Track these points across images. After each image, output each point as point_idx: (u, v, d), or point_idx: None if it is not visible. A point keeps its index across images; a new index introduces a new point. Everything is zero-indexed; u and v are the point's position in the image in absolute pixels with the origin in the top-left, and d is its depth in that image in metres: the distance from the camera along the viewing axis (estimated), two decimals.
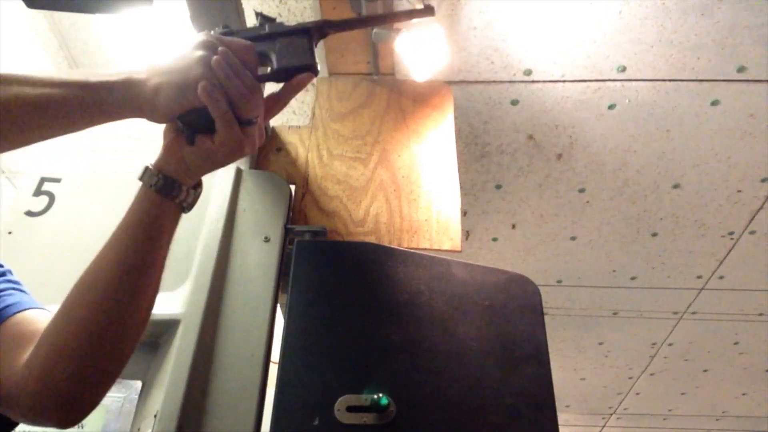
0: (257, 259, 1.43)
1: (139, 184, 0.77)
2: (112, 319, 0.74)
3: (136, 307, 0.76)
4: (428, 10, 0.88)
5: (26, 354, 0.74)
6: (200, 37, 0.74)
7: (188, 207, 0.78)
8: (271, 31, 0.81)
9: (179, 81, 0.71)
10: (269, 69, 0.79)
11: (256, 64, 0.77)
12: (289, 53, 0.79)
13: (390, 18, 1.03)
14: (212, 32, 0.80)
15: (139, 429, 1.25)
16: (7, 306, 0.81)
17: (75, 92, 0.70)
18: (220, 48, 0.72)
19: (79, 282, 0.75)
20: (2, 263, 0.89)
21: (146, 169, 0.76)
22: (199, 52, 0.72)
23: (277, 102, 0.80)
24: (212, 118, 0.72)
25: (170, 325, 1.29)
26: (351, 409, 1.11)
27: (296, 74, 0.78)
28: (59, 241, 1.47)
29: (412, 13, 0.91)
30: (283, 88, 0.79)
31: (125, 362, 0.77)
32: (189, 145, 0.74)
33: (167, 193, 0.75)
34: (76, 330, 0.73)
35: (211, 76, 0.70)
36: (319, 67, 0.79)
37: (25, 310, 0.82)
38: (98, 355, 0.74)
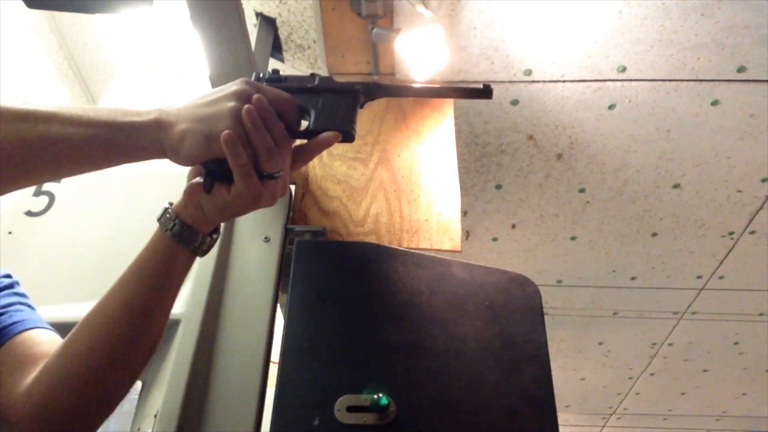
0: (257, 259, 1.43)
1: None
2: (114, 357, 0.74)
3: (140, 347, 0.76)
4: (487, 93, 0.82)
5: (28, 378, 0.75)
6: (238, 84, 0.72)
7: (203, 253, 0.78)
8: (318, 85, 0.78)
9: (205, 131, 0.69)
10: (307, 125, 0.76)
11: (294, 118, 0.75)
12: (329, 114, 0.76)
13: (445, 94, 0.96)
14: (260, 75, 0.78)
15: (139, 429, 1.25)
16: (14, 323, 0.82)
17: (102, 133, 0.68)
18: (255, 96, 0.70)
19: (86, 319, 0.76)
20: (10, 273, 0.89)
21: (165, 210, 0.76)
22: (231, 103, 0.70)
23: (302, 157, 0.77)
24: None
25: (170, 325, 1.29)
26: (351, 409, 1.11)
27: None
28: (59, 241, 1.47)
29: (470, 93, 0.85)
30: (309, 143, 0.77)
31: (124, 396, 0.78)
32: (205, 193, 0.73)
33: (182, 239, 0.75)
34: (78, 365, 0.73)
35: (238, 128, 0.68)
36: (355, 135, 0.76)
37: (30, 329, 0.82)
38: (98, 391, 0.74)
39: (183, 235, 0.74)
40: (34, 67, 2.16)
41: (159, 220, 0.75)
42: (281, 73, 0.79)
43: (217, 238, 0.79)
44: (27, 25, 2.07)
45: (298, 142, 0.77)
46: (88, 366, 0.73)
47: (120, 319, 0.74)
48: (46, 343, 0.79)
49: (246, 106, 0.69)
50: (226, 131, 0.68)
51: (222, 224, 0.80)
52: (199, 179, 0.74)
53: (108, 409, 0.77)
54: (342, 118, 0.76)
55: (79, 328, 0.75)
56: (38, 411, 0.73)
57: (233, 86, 0.72)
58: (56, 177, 0.71)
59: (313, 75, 0.79)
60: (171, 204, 0.76)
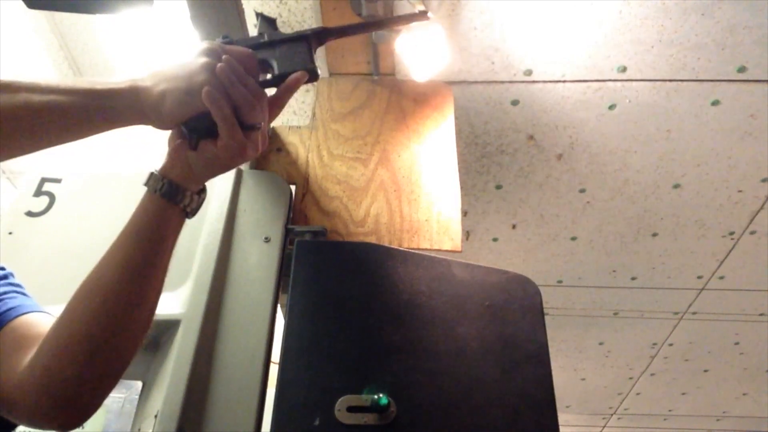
0: (257, 260, 1.43)
1: (144, 189, 0.77)
2: (114, 322, 0.74)
3: (139, 310, 0.77)
4: (423, 15, 0.91)
5: (27, 357, 0.75)
6: (203, 44, 0.76)
7: (192, 212, 0.80)
8: (270, 39, 0.83)
9: (184, 87, 0.72)
10: (270, 75, 0.81)
11: (257, 71, 0.79)
12: (289, 59, 0.81)
13: (387, 23, 1.05)
14: (214, 41, 0.82)
15: (139, 429, 1.25)
16: (9, 309, 0.82)
17: (81, 99, 0.71)
18: (224, 56, 0.74)
19: (82, 285, 0.76)
20: (4, 266, 0.89)
21: (151, 174, 0.77)
22: (203, 59, 0.73)
23: (275, 104, 0.81)
24: (215, 122, 0.73)
25: (171, 326, 1.29)
26: (351, 409, 1.11)
27: None
28: (59, 241, 1.47)
29: (408, 18, 0.94)
30: (279, 89, 0.81)
31: (127, 365, 0.78)
32: (192, 150, 0.76)
33: (172, 198, 0.76)
34: (78, 333, 0.73)
35: (215, 82, 0.72)
36: (319, 72, 0.81)
37: (26, 313, 0.82)
38: (100, 358, 0.74)
39: (172, 194, 0.76)
40: (34, 67, 2.16)
41: (146, 183, 0.77)
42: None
43: (204, 198, 0.81)
44: (27, 26, 2.07)
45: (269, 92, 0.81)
46: (90, 332, 0.73)
47: (117, 282, 0.74)
48: (43, 324, 0.79)
49: (219, 63, 0.73)
50: (206, 87, 0.71)
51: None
52: (183, 140, 0.77)
53: (113, 377, 0.77)
54: (302, 60, 0.81)
55: (76, 297, 0.76)
56: (42, 384, 0.72)
57: (199, 47, 0.75)
58: (41, 146, 0.72)
59: (261, 33, 0.85)
60: (155, 170, 0.78)
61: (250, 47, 0.80)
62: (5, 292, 0.84)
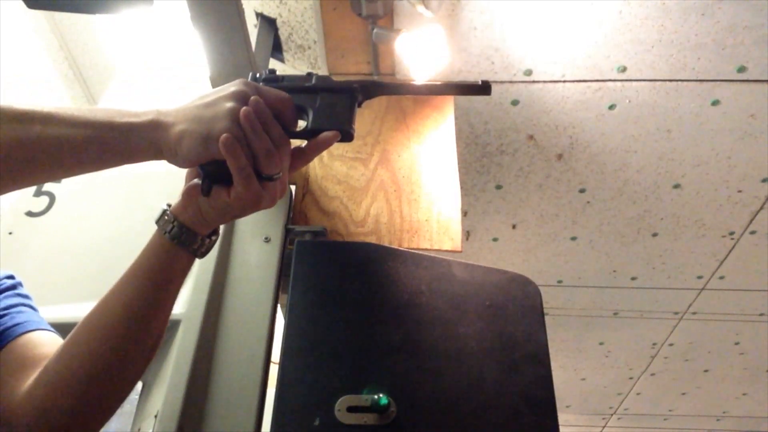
0: (258, 260, 1.43)
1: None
2: (114, 360, 0.74)
3: (140, 349, 0.76)
4: (485, 89, 0.80)
5: (29, 379, 0.75)
6: (236, 84, 0.71)
7: (202, 254, 0.77)
8: (315, 85, 0.77)
9: (203, 132, 0.68)
10: (305, 125, 0.76)
11: (292, 119, 0.74)
12: (327, 114, 0.76)
13: (442, 90, 0.96)
14: (257, 75, 0.78)
15: (139, 429, 1.25)
16: (16, 325, 0.81)
17: (97, 134, 0.68)
18: (252, 98, 0.70)
19: (85, 320, 0.75)
20: (13, 275, 0.89)
21: (163, 212, 0.75)
22: (230, 104, 0.69)
23: (301, 157, 0.77)
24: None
25: (170, 326, 1.28)
26: (351, 409, 1.11)
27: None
28: (60, 241, 1.47)
29: (467, 89, 0.84)
30: (308, 143, 0.76)
31: (124, 398, 0.78)
32: (204, 196, 0.73)
33: (181, 242, 0.74)
34: (78, 368, 0.73)
35: (236, 130, 0.68)
36: (354, 134, 0.76)
37: (32, 331, 0.82)
38: (98, 394, 0.74)
39: (182, 238, 0.74)
40: (34, 67, 2.16)
41: (157, 222, 0.75)
42: (278, 72, 0.79)
43: (216, 240, 0.78)
44: (27, 26, 2.07)
45: (296, 142, 0.76)
46: (88, 369, 0.73)
47: (120, 322, 0.74)
48: (47, 345, 0.79)
49: (244, 108, 0.68)
50: (224, 134, 0.67)
51: (221, 225, 0.80)
52: (197, 181, 0.74)
53: (109, 412, 0.77)
54: (340, 118, 0.75)
55: (78, 331, 0.75)
56: (38, 413, 0.72)
57: (231, 87, 0.71)
58: (53, 178, 0.71)
59: (310, 74, 0.79)
60: (169, 206, 0.76)
61: (292, 89, 0.75)
62: (13, 305, 0.84)
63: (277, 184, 0.73)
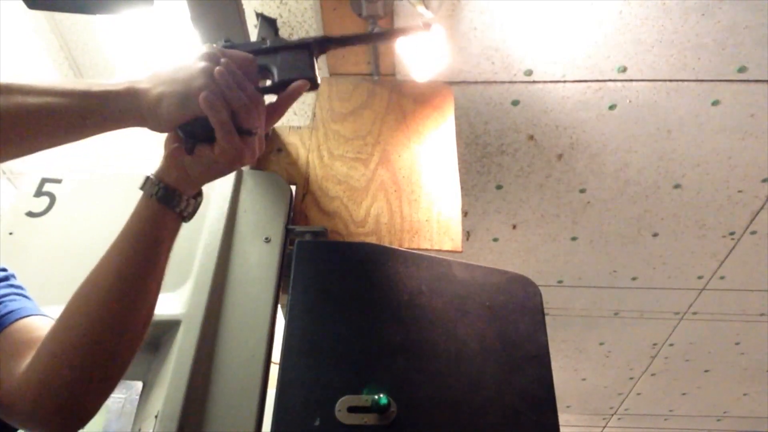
0: (258, 260, 1.43)
1: (140, 192, 0.77)
2: (111, 327, 0.74)
3: (136, 315, 0.76)
4: (425, 26, 0.91)
5: (26, 361, 0.75)
6: (203, 48, 0.75)
7: (188, 216, 0.79)
8: (272, 45, 0.83)
9: (181, 90, 0.71)
10: (270, 81, 0.80)
11: (257, 77, 0.79)
12: (289, 66, 0.81)
13: (388, 35, 1.05)
14: (214, 45, 0.81)
15: (140, 429, 1.25)
16: (10, 312, 0.82)
17: (77, 101, 0.70)
18: (222, 59, 0.74)
19: (79, 290, 0.76)
20: (5, 267, 0.89)
21: (147, 178, 0.77)
22: (202, 63, 0.73)
23: (275, 111, 0.81)
24: (212, 127, 0.72)
25: (171, 326, 1.29)
26: (352, 409, 1.11)
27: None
28: (60, 241, 1.47)
29: (410, 29, 0.93)
30: (279, 97, 0.81)
31: (125, 370, 0.78)
32: (189, 155, 0.75)
33: (167, 202, 0.76)
34: (75, 338, 0.73)
35: (214, 87, 0.71)
36: (319, 80, 0.81)
37: (26, 317, 0.82)
38: (97, 363, 0.74)
39: (168, 198, 0.76)
40: (34, 67, 2.16)
41: (142, 187, 0.77)
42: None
43: (200, 201, 0.81)
44: (27, 26, 2.07)
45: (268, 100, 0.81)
46: (86, 338, 0.73)
47: (114, 287, 0.74)
48: (42, 328, 0.79)
49: (217, 67, 0.72)
50: (204, 92, 0.70)
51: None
52: (179, 145, 0.76)
53: (111, 382, 0.77)
54: (303, 68, 0.81)
55: (72, 302, 0.75)
56: (39, 389, 0.72)
57: (200, 50, 0.75)
58: (36, 148, 0.72)
59: (264, 38, 0.86)
60: (151, 174, 0.78)
61: (251, 52, 0.80)
62: (6, 295, 0.84)
63: (256, 139, 0.76)
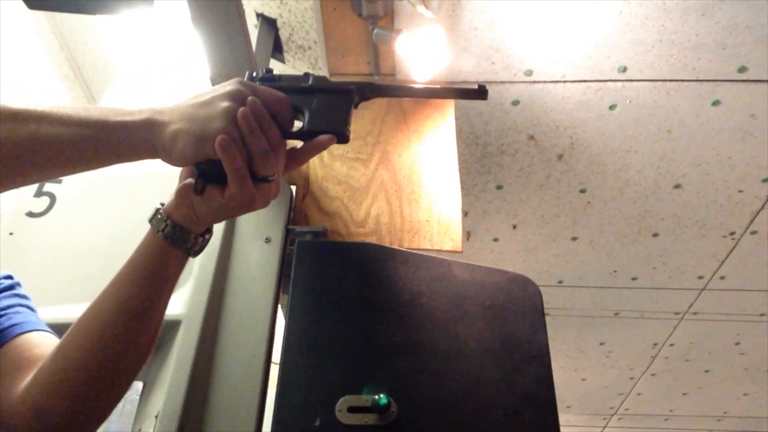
0: (258, 260, 1.43)
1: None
2: (108, 360, 0.74)
3: (135, 348, 0.76)
4: (482, 93, 0.80)
5: (26, 379, 0.75)
6: (232, 84, 0.71)
7: (195, 253, 0.77)
8: (312, 85, 0.77)
9: (198, 131, 0.68)
10: (301, 125, 0.75)
11: (288, 119, 0.74)
12: (323, 115, 0.75)
13: (440, 94, 0.95)
14: (254, 74, 0.78)
15: (140, 430, 1.25)
16: (13, 325, 0.81)
17: (92, 132, 0.67)
18: (249, 98, 0.69)
19: (79, 321, 0.75)
20: (11, 275, 0.89)
21: (156, 212, 0.75)
22: (226, 104, 0.68)
23: (296, 158, 0.76)
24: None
25: (171, 326, 1.29)
26: (352, 409, 1.11)
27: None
28: (60, 242, 1.47)
29: (465, 93, 0.83)
30: (303, 146, 0.76)
31: (119, 400, 0.77)
32: (197, 195, 0.72)
33: (173, 241, 0.73)
34: (72, 369, 0.73)
35: (232, 130, 0.67)
36: (350, 136, 0.75)
37: (29, 332, 0.82)
38: (92, 394, 0.74)
39: (175, 236, 0.73)
40: (34, 67, 2.16)
41: (150, 221, 0.74)
42: (276, 71, 0.79)
43: (209, 239, 0.78)
44: (27, 26, 2.07)
45: (291, 143, 0.76)
46: (83, 370, 0.72)
47: (114, 322, 0.73)
48: (43, 345, 0.79)
49: (241, 108, 0.68)
50: (221, 135, 0.67)
51: (216, 224, 0.79)
52: (191, 180, 0.73)
53: (104, 413, 0.77)
54: (337, 120, 0.75)
55: (72, 332, 0.74)
56: (33, 414, 0.72)
57: (227, 86, 0.71)
58: (47, 177, 0.70)
59: (307, 74, 0.78)
60: (162, 204, 0.75)
61: (289, 89, 0.75)
62: (10, 306, 0.84)
63: (271, 185, 0.72)
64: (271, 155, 0.70)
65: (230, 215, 0.74)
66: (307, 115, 0.75)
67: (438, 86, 0.87)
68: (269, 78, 0.77)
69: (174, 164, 0.71)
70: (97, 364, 0.73)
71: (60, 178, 1.60)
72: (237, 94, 0.69)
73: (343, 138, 0.74)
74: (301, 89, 0.76)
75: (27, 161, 0.66)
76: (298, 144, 0.77)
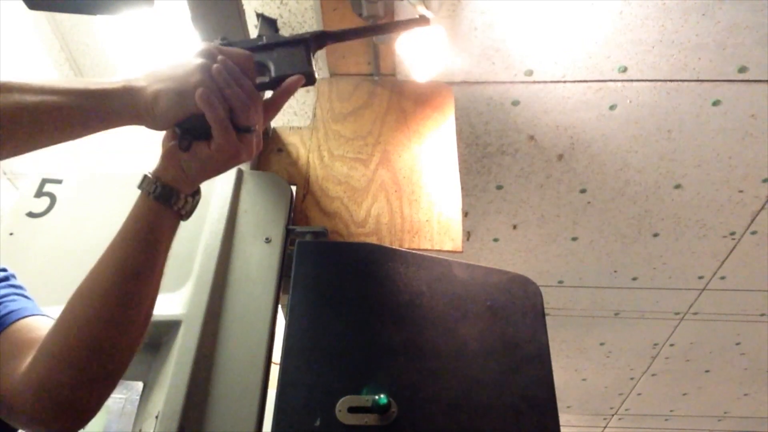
0: (258, 260, 1.43)
1: (138, 191, 0.77)
2: (110, 326, 0.74)
3: (135, 313, 0.76)
4: (424, 20, 0.90)
5: (26, 362, 0.74)
6: (200, 45, 0.75)
7: (187, 214, 0.79)
8: (268, 42, 0.83)
9: (178, 88, 0.71)
10: (267, 78, 0.81)
11: (254, 73, 0.78)
12: (286, 62, 0.81)
13: (386, 28, 1.05)
14: (212, 43, 0.81)
15: (140, 430, 1.25)
16: (10, 312, 0.81)
17: (74, 99, 0.70)
18: (219, 57, 0.74)
19: (78, 290, 0.76)
20: (5, 267, 0.89)
21: (144, 177, 0.77)
22: (199, 60, 0.73)
23: (272, 107, 0.81)
24: (209, 124, 0.72)
25: (171, 326, 1.29)
26: (352, 409, 1.11)
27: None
28: (60, 242, 1.47)
29: (408, 23, 0.92)
30: (275, 92, 0.81)
31: (124, 369, 0.77)
32: (184, 152, 0.75)
33: (165, 201, 0.76)
34: (74, 338, 0.73)
35: (210, 83, 0.71)
36: (317, 76, 0.81)
37: (27, 317, 0.82)
38: (97, 362, 0.74)
39: (166, 197, 0.76)
40: (35, 68, 2.16)
41: (140, 186, 0.77)
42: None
43: (198, 199, 0.81)
44: (28, 26, 2.07)
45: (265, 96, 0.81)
46: (85, 338, 0.73)
47: (113, 287, 0.74)
48: (42, 328, 0.79)
49: (215, 64, 0.72)
50: (200, 89, 0.71)
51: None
52: (176, 142, 0.76)
53: (111, 381, 0.77)
54: (300, 63, 0.81)
55: (71, 302, 0.75)
56: (39, 389, 0.72)
57: (197, 47, 0.75)
58: (34, 147, 0.71)
59: (260, 36, 0.84)
60: (149, 172, 0.78)
61: (248, 49, 0.80)
62: (6, 295, 0.84)
63: (253, 136, 0.76)
64: (250, 105, 0.74)
65: (218, 170, 0.77)
66: (272, 66, 0.81)
67: (383, 22, 0.97)
68: (227, 43, 0.82)
69: (157, 126, 0.74)
70: (99, 331, 0.73)
71: (60, 178, 1.60)
72: (207, 52, 0.74)
73: (310, 78, 0.80)
74: (260, 47, 0.82)
75: (14, 130, 0.68)
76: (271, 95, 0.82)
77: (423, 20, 0.90)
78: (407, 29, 0.96)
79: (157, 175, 0.77)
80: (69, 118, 0.71)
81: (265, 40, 0.83)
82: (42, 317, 0.84)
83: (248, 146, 0.76)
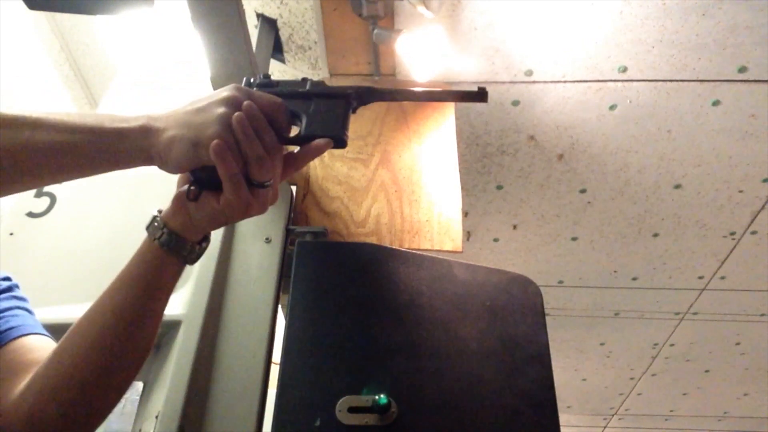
0: (258, 260, 1.43)
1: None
2: (103, 366, 0.73)
3: (130, 356, 0.75)
4: (482, 96, 0.78)
5: (22, 383, 0.74)
6: (228, 90, 0.71)
7: (192, 261, 0.76)
8: (309, 90, 0.76)
9: (194, 137, 0.67)
10: (298, 131, 0.75)
11: (285, 124, 0.73)
12: (321, 119, 0.74)
13: (439, 96, 0.92)
14: (252, 80, 0.77)
15: (140, 430, 1.25)
16: (10, 329, 0.81)
17: (88, 139, 0.67)
18: (245, 103, 0.69)
19: (75, 327, 0.75)
20: (10, 276, 0.89)
21: (153, 218, 0.74)
22: (221, 109, 0.68)
23: (293, 163, 0.76)
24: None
25: (171, 326, 1.29)
26: (352, 410, 1.11)
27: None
28: (60, 242, 1.47)
29: (462, 96, 0.82)
30: (300, 150, 0.75)
31: (113, 406, 0.77)
32: (192, 202, 0.72)
33: (170, 248, 0.73)
34: (66, 375, 0.72)
35: (228, 136, 0.67)
36: (347, 140, 0.74)
37: (26, 335, 0.81)
38: (87, 400, 0.73)
39: (171, 244, 0.73)
40: (35, 68, 2.16)
41: (147, 228, 0.74)
42: (275, 75, 0.78)
43: (206, 247, 0.77)
44: (28, 27, 2.07)
45: (289, 148, 0.76)
46: (77, 375, 0.72)
47: (109, 329, 0.73)
48: (40, 349, 0.78)
49: (236, 113, 0.68)
50: (215, 140, 0.66)
51: (212, 231, 0.78)
52: (187, 187, 0.73)
53: (98, 419, 0.76)
54: (334, 124, 0.74)
55: (68, 337, 0.74)
56: (28, 420, 0.72)
57: (223, 92, 0.70)
58: (42, 184, 0.70)
59: (305, 79, 0.78)
60: (160, 212, 0.75)
61: (286, 94, 0.74)
62: (8, 308, 0.83)
63: (268, 190, 0.71)
64: (267, 160, 0.69)
65: (226, 222, 0.74)
66: (304, 120, 0.74)
67: (437, 89, 0.85)
68: (266, 83, 0.77)
69: (169, 171, 0.70)
70: (92, 370, 0.72)
71: None
72: (233, 99, 0.69)
73: (340, 142, 0.73)
74: (298, 94, 0.76)
75: (23, 168, 0.66)
76: (296, 149, 0.76)
77: (481, 96, 0.78)
78: (462, 102, 0.85)
79: (165, 219, 0.73)
80: (79, 159, 0.68)
81: (308, 86, 0.77)
82: (41, 337, 0.83)
83: (261, 201, 0.71)
